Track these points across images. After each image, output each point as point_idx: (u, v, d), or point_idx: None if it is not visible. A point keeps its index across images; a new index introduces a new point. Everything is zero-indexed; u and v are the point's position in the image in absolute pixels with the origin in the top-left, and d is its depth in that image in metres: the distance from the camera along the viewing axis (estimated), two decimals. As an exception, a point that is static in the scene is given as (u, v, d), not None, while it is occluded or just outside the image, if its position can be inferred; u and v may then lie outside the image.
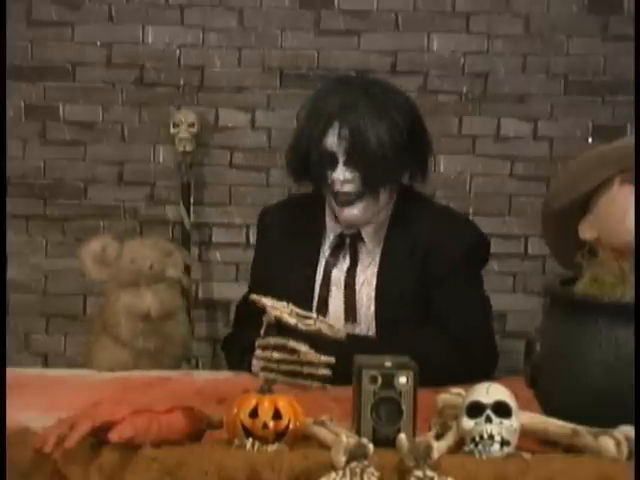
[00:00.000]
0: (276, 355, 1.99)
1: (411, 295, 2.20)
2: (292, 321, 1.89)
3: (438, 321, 2.16)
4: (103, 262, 2.27)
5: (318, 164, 2.23)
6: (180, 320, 2.34)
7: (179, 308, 2.34)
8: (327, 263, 2.29)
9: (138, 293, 2.25)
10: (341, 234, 2.29)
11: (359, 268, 2.27)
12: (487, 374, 1.99)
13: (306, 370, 1.99)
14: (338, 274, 2.27)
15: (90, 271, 2.28)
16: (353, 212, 2.24)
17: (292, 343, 1.97)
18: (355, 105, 2.19)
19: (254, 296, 1.91)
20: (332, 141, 2.20)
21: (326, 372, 1.98)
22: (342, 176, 2.21)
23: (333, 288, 2.27)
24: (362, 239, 2.27)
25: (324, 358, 1.97)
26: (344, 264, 2.28)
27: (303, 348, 1.98)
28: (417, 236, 2.23)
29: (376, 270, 2.25)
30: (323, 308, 2.24)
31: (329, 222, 2.31)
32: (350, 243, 2.28)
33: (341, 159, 2.21)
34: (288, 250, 2.32)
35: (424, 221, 2.25)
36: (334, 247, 2.29)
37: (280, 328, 2.03)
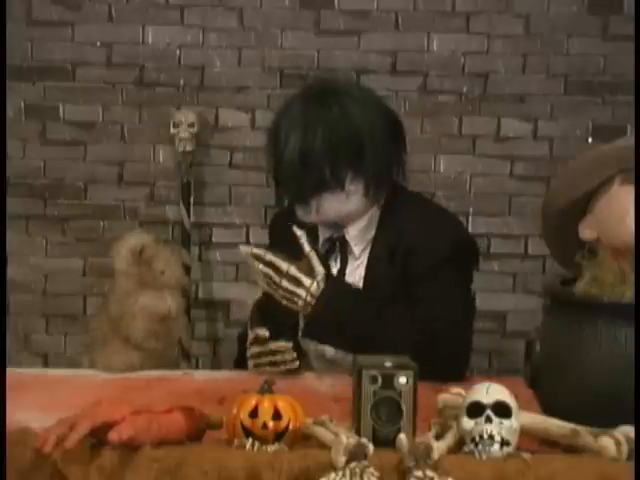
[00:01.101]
0: (254, 349, 2.08)
1: (394, 296, 2.19)
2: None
3: (419, 320, 2.14)
4: (137, 261, 2.26)
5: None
6: (181, 322, 2.35)
7: (183, 310, 2.36)
8: None
9: (159, 295, 2.25)
10: (330, 237, 2.29)
11: (348, 270, 2.27)
12: (453, 375, 1.99)
13: (277, 358, 2.08)
14: None
15: (121, 262, 2.26)
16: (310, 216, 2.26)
17: (258, 331, 2.09)
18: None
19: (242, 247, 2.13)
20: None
21: (291, 357, 2.09)
22: None
23: None
24: (347, 241, 2.27)
25: (284, 344, 2.07)
26: (335, 267, 2.28)
27: (265, 333, 2.17)
28: (400, 236, 2.22)
29: (363, 272, 2.25)
30: None
31: (320, 226, 2.31)
32: (339, 246, 2.28)
33: None
34: (289, 255, 2.32)
35: (408, 221, 2.23)
36: (326, 251, 2.30)
37: (263, 318, 2.14)
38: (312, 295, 2.12)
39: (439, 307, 2.15)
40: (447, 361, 2.06)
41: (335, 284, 2.17)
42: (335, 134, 2.16)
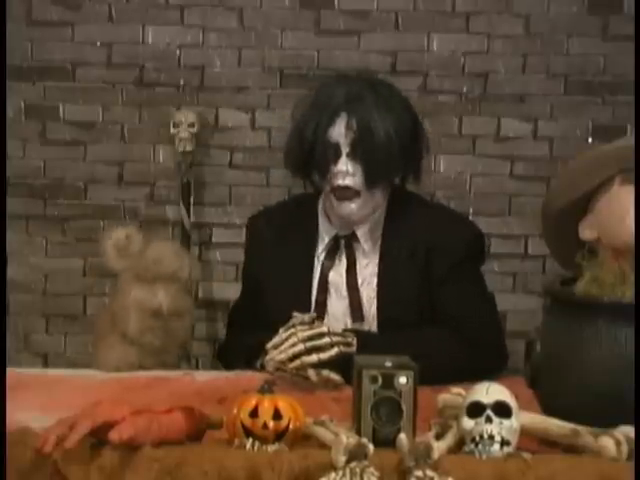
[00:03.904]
0: (304, 332, 2.03)
1: (414, 295, 2.20)
2: (313, 358, 1.95)
3: (447, 320, 2.16)
4: (124, 252, 2.25)
5: (322, 155, 2.20)
6: (187, 321, 2.33)
7: (188, 309, 2.33)
8: (323, 266, 2.28)
9: (151, 289, 2.24)
10: (336, 236, 2.29)
11: (358, 268, 2.27)
12: (498, 371, 2.00)
13: (338, 339, 2.04)
14: (336, 276, 2.27)
15: (109, 258, 2.26)
16: (351, 207, 2.22)
17: (304, 316, 2.03)
18: (362, 97, 2.18)
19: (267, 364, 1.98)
20: (338, 132, 2.19)
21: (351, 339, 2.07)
22: (345, 168, 2.19)
23: (332, 291, 2.27)
24: (357, 240, 2.27)
25: (334, 376, 2.02)
26: (341, 266, 2.28)
27: (312, 314, 2.10)
28: (417, 235, 2.22)
29: (376, 270, 2.25)
30: (321, 311, 2.24)
31: (323, 224, 2.30)
32: (345, 245, 2.28)
33: (344, 151, 2.19)
34: (281, 256, 2.31)
35: (422, 220, 2.25)
36: (329, 250, 2.29)
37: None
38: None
39: (465, 304, 2.18)
40: (487, 356, 2.09)
41: (363, 344, 2.10)
42: (400, 125, 2.19)
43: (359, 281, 2.26)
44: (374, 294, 2.24)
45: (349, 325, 2.22)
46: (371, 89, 2.20)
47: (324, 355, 2.02)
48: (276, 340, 2.05)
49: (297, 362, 2.01)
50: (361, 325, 2.22)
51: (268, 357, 2.04)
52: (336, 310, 2.25)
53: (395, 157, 2.19)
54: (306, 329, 2.05)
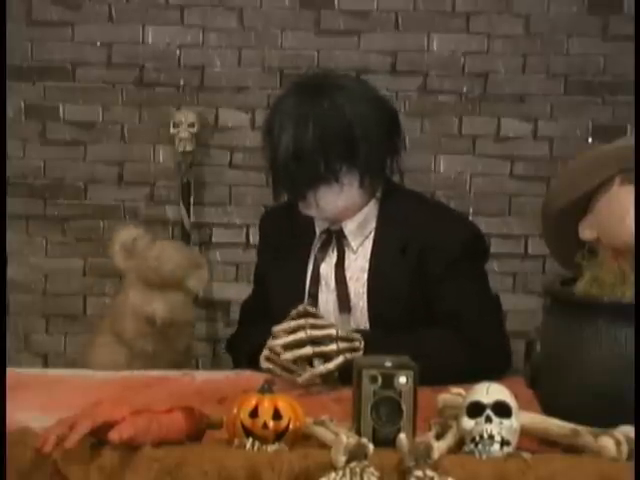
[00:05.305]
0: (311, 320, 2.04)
1: (405, 292, 2.20)
2: (321, 370, 2.00)
3: (446, 319, 2.15)
4: (130, 252, 2.24)
5: None
6: (186, 331, 2.32)
7: (188, 320, 2.32)
8: (316, 259, 2.30)
9: (148, 294, 2.23)
10: (328, 230, 2.30)
11: (347, 263, 2.27)
12: (501, 372, 2.00)
13: (344, 346, 2.04)
14: (327, 269, 2.28)
15: (115, 257, 2.26)
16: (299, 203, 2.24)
17: (307, 307, 2.06)
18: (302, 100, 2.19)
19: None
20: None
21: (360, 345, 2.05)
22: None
23: (322, 283, 2.28)
24: (345, 235, 2.28)
25: (332, 366, 2.02)
26: (332, 259, 2.29)
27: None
28: (410, 233, 2.22)
29: (366, 266, 2.25)
30: (313, 304, 2.25)
31: (317, 219, 2.32)
32: (336, 238, 2.29)
33: None
34: (284, 250, 2.33)
35: (417, 218, 2.24)
36: (322, 243, 2.30)
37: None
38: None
39: (464, 303, 2.17)
40: (489, 356, 2.08)
41: (370, 347, 2.08)
42: (326, 128, 2.16)
43: (347, 275, 2.26)
44: (363, 289, 2.24)
45: (338, 318, 2.23)
46: (322, 90, 2.20)
47: (331, 365, 2.02)
48: (284, 326, 2.05)
49: (307, 375, 2.01)
50: (348, 318, 2.23)
51: (273, 343, 2.05)
52: (326, 303, 2.26)
53: (308, 160, 2.16)
54: (316, 324, 2.05)
